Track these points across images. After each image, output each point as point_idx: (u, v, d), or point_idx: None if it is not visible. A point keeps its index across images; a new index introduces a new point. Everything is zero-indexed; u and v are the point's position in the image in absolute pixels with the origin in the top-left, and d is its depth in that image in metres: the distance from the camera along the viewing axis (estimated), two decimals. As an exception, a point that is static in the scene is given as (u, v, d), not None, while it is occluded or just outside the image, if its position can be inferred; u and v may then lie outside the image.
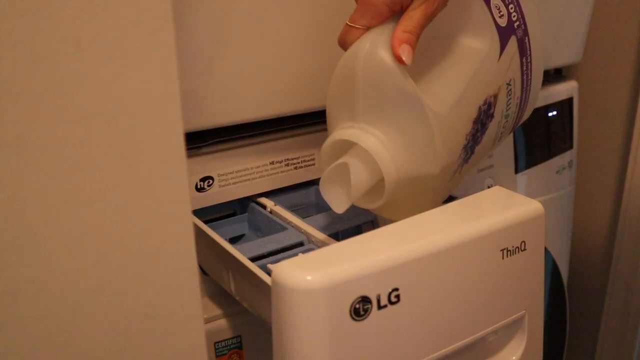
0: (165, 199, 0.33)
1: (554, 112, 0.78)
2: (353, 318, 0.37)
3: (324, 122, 0.60)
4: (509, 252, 0.44)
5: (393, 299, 0.39)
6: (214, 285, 0.55)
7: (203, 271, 0.54)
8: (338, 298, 0.37)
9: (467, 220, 0.44)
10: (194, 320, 0.36)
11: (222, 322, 0.54)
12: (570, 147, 0.82)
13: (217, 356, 0.53)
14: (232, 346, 0.54)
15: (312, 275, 0.36)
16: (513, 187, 0.73)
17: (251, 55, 0.51)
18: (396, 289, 0.39)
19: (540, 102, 0.75)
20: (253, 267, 0.44)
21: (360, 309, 0.37)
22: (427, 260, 0.40)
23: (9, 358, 0.30)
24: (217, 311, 0.54)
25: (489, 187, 0.69)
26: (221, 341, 0.53)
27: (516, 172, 0.73)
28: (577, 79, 0.82)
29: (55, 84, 0.28)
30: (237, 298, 0.49)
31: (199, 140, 0.52)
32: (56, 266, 0.30)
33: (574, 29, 0.78)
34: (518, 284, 0.47)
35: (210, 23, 0.48)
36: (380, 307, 0.38)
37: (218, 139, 0.53)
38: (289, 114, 0.56)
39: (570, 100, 0.80)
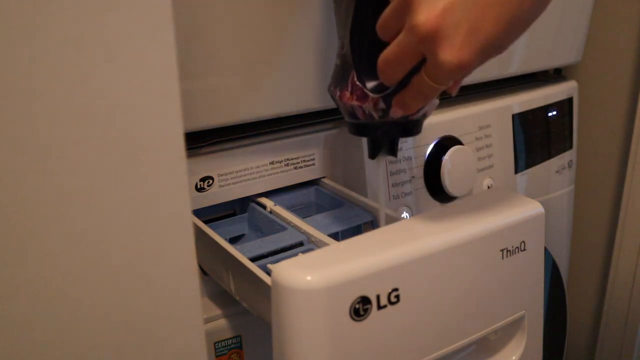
0: (165, 199, 0.33)
1: (554, 112, 0.77)
2: (353, 318, 0.37)
3: (324, 122, 0.60)
4: (508, 252, 0.44)
5: (393, 299, 0.39)
6: (214, 285, 0.55)
7: (203, 271, 0.54)
8: (338, 298, 0.37)
9: (466, 221, 0.44)
10: (194, 320, 0.36)
11: (222, 322, 0.54)
12: (570, 147, 0.81)
13: (217, 356, 0.53)
14: (232, 346, 0.54)
15: (312, 275, 0.36)
16: (513, 187, 0.73)
17: (251, 55, 0.51)
18: (396, 289, 0.39)
19: (540, 102, 0.75)
20: (253, 267, 0.44)
21: (360, 309, 0.37)
22: (427, 261, 0.40)
23: (9, 358, 0.30)
24: (217, 311, 0.54)
25: (489, 187, 0.69)
26: (221, 341, 0.53)
27: (516, 172, 0.73)
28: (577, 79, 0.82)
29: (55, 84, 0.28)
30: (237, 298, 0.49)
31: (199, 140, 0.52)
32: (56, 266, 0.30)
33: (573, 29, 0.78)
34: (518, 284, 0.47)
35: (211, 23, 0.48)
36: (380, 307, 0.38)
37: (218, 139, 0.53)
38: (289, 114, 0.56)
39: (570, 100, 0.80)
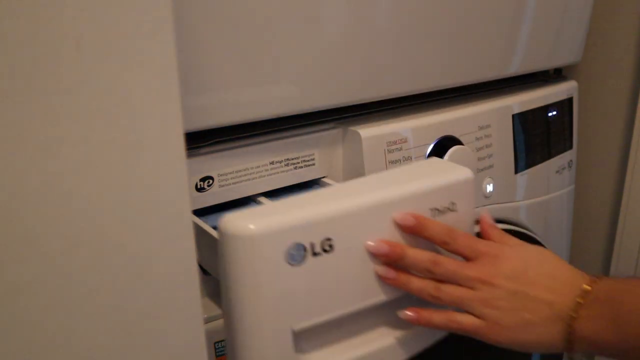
0: (165, 199, 0.33)
1: (554, 112, 0.77)
2: (289, 263, 0.41)
3: (324, 122, 0.60)
4: (438, 211, 0.48)
5: (327, 248, 0.43)
6: (214, 285, 0.55)
7: (203, 271, 0.54)
8: (274, 243, 0.41)
9: (398, 182, 0.48)
10: (194, 320, 0.36)
11: (222, 322, 0.53)
12: (570, 147, 0.81)
13: (217, 356, 0.53)
14: (232, 346, 0.54)
15: (253, 224, 0.40)
16: (513, 187, 0.73)
17: (251, 55, 0.51)
18: (329, 239, 0.42)
19: (540, 102, 0.75)
20: (207, 227, 0.48)
21: (296, 254, 0.41)
22: (358, 214, 0.44)
23: (9, 358, 0.30)
24: (217, 311, 0.54)
25: (488, 186, 0.69)
26: (221, 341, 0.53)
27: (516, 172, 0.73)
28: (577, 79, 0.82)
29: (55, 84, 0.28)
30: (212, 273, 0.50)
31: (199, 140, 0.52)
32: (56, 266, 0.30)
33: (574, 29, 0.78)
34: None
35: (210, 22, 0.48)
36: (314, 254, 0.42)
37: (218, 139, 0.53)
38: (289, 114, 0.56)
39: (570, 100, 0.80)
